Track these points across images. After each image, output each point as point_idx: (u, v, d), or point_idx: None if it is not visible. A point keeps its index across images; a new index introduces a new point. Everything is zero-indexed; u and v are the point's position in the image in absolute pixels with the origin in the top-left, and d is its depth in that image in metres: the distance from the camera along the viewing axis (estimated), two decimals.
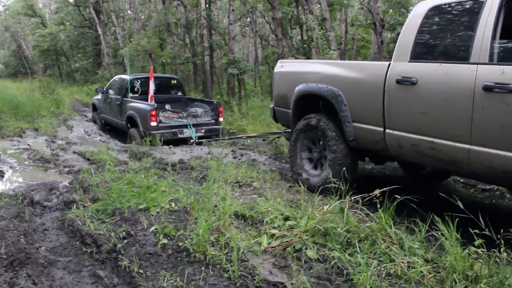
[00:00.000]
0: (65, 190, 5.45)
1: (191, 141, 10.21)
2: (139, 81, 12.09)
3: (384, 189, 3.75)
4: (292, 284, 2.90)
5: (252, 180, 5.54)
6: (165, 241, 3.51)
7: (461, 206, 3.27)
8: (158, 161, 6.97)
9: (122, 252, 3.43)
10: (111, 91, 12.62)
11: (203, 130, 10.68)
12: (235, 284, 2.91)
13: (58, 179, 6.10)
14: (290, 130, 6.01)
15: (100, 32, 27.76)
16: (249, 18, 22.94)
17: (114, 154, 8.02)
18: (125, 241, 3.62)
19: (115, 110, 12.07)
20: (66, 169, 6.76)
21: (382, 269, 3.04)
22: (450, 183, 6.25)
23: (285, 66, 6.16)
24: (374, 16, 11.87)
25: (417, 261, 3.04)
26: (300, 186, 4.73)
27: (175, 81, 13.05)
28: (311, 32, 14.89)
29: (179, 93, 12.79)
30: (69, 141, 10.07)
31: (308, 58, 16.73)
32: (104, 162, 6.68)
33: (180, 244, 3.44)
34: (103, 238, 3.69)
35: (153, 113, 9.97)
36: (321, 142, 5.33)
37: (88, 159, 7.53)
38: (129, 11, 32.64)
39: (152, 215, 4.05)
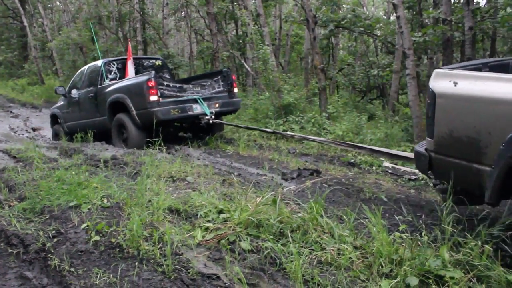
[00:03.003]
0: None
1: (206, 118, 8.22)
2: (115, 64, 9.85)
3: (315, 180, 3.90)
4: (226, 275, 2.94)
5: (186, 175, 5.53)
6: (97, 238, 3.45)
7: (385, 199, 3.46)
8: (90, 158, 6.77)
9: (52, 251, 3.32)
10: (75, 91, 9.97)
11: (217, 105, 8.61)
12: (169, 278, 2.91)
13: None
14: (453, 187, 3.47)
15: (25, 24, 26.38)
16: (183, 13, 22.73)
17: (42, 151, 7.71)
18: (55, 239, 3.51)
19: (87, 107, 9.61)
20: None
21: (314, 257, 3.14)
22: (380, 173, 6.55)
23: (463, 83, 3.35)
24: (307, 12, 12.11)
25: (347, 248, 3.16)
26: None
27: (159, 62, 10.63)
28: (245, 27, 15.02)
29: (167, 76, 10.33)
30: None
31: (243, 53, 16.86)
32: (32, 160, 6.40)
33: (113, 240, 3.39)
34: (30, 237, 3.55)
35: (152, 83, 7.61)
36: None
37: (14, 157, 7.17)
38: (57, 2, 31.34)
39: (84, 212, 3.96)
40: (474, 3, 8.56)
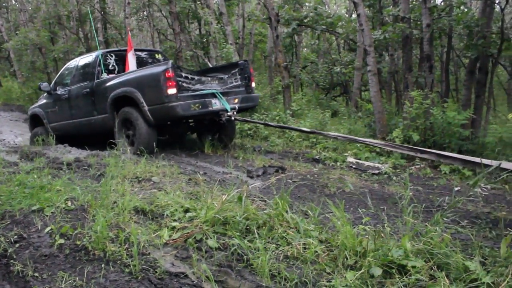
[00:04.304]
0: None
1: (228, 114, 7.40)
2: (112, 56, 8.71)
3: (280, 177, 3.94)
4: (193, 273, 2.95)
5: (151, 175, 5.49)
6: (61, 241, 3.38)
7: (351, 187, 3.54)
8: (53, 161, 6.62)
9: (14, 256, 3.25)
10: (63, 87, 9.01)
11: (236, 100, 7.71)
12: (137, 278, 2.90)
13: None
14: None
15: None
16: (146, 12, 22.46)
17: (2, 155, 7.50)
18: (17, 245, 3.43)
19: (81, 105, 8.46)
20: None
21: (280, 252, 3.18)
22: (344, 168, 6.67)
23: None
24: (269, 11, 12.20)
25: (312, 242, 3.22)
26: None
27: (159, 56, 9.64)
28: (208, 26, 14.98)
29: None
30: None
31: (206, 52, 16.84)
32: None
33: (78, 242, 3.34)
34: None
35: (170, 74, 6.72)
36: None
37: None
38: (13, 1, 30.39)
39: (47, 216, 3.88)
40: (431, 2, 8.80)
